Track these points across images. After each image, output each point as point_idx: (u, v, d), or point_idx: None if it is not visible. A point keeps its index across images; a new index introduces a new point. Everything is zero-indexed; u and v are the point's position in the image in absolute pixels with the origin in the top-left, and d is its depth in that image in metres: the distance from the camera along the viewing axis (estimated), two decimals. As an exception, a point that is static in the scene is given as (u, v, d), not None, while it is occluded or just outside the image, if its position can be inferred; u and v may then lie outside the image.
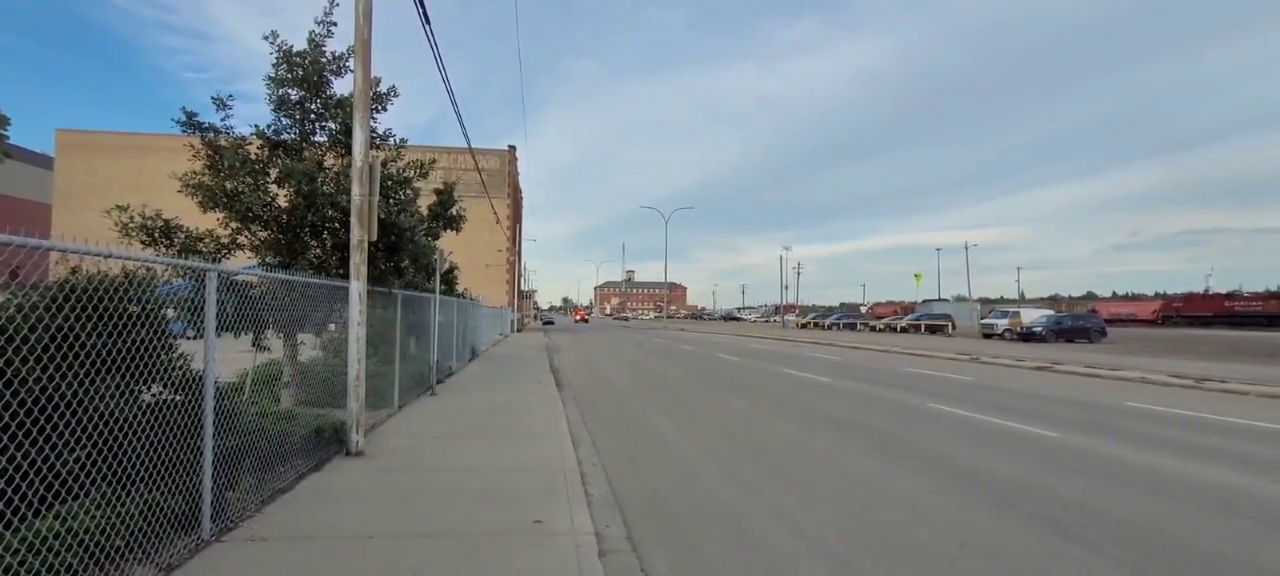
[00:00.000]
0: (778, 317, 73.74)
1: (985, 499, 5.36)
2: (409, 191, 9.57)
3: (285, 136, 8.14)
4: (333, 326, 8.37)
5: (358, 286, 6.42)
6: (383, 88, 8.45)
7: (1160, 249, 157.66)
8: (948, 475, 6.14)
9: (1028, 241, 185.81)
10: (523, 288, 75.26)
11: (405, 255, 9.42)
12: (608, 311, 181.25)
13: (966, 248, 75.94)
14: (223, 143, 7.61)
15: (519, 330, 47.43)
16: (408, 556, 3.74)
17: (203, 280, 4.01)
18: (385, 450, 6.57)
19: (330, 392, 7.50)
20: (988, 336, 35.46)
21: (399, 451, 6.58)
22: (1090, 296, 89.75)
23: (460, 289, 20.64)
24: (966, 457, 6.87)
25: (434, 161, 10.22)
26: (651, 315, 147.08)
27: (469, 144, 15.23)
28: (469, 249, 46.07)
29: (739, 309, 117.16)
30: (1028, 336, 32.62)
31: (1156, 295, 69.91)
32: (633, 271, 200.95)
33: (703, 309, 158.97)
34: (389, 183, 8.98)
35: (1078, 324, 34.64)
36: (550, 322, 71.80)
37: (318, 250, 8.28)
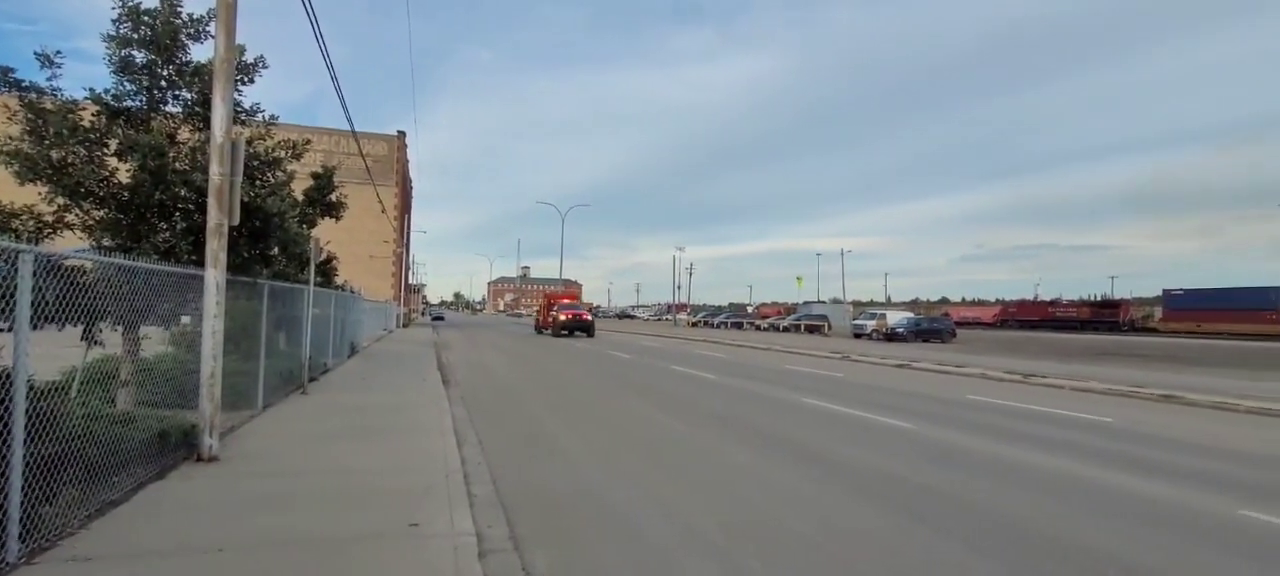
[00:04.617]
0: (670, 316, 75.55)
1: (850, 487, 5.81)
2: (279, 173, 8.82)
3: (129, 104, 7.21)
4: (186, 319, 7.53)
5: (214, 275, 5.83)
6: (249, 57, 7.71)
7: (999, 260, 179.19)
8: (819, 466, 6.60)
9: (894, 250, 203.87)
10: (411, 281, 71.77)
11: (273, 242, 8.67)
12: (501, 307, 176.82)
13: (842, 254, 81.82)
14: (48, 105, 6.60)
15: (406, 326, 45.13)
16: (262, 568, 3.46)
17: (15, 263, 3.47)
18: (244, 454, 6.02)
19: (180, 392, 6.74)
20: (858, 336, 38.44)
21: (260, 455, 6.05)
22: (944, 301, 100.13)
23: (340, 281, 19.33)
24: (835, 449, 7.41)
25: (309, 143, 9.50)
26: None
27: (352, 126, 14.28)
28: (351, 239, 43.11)
29: (633, 307, 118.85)
30: (891, 337, 35.80)
31: (997, 301, 79.38)
32: (528, 267, 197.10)
33: (598, 306, 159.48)
34: (255, 163, 8.23)
35: (933, 326, 38.52)
36: (440, 318, 68.99)
37: (167, 233, 7.40)
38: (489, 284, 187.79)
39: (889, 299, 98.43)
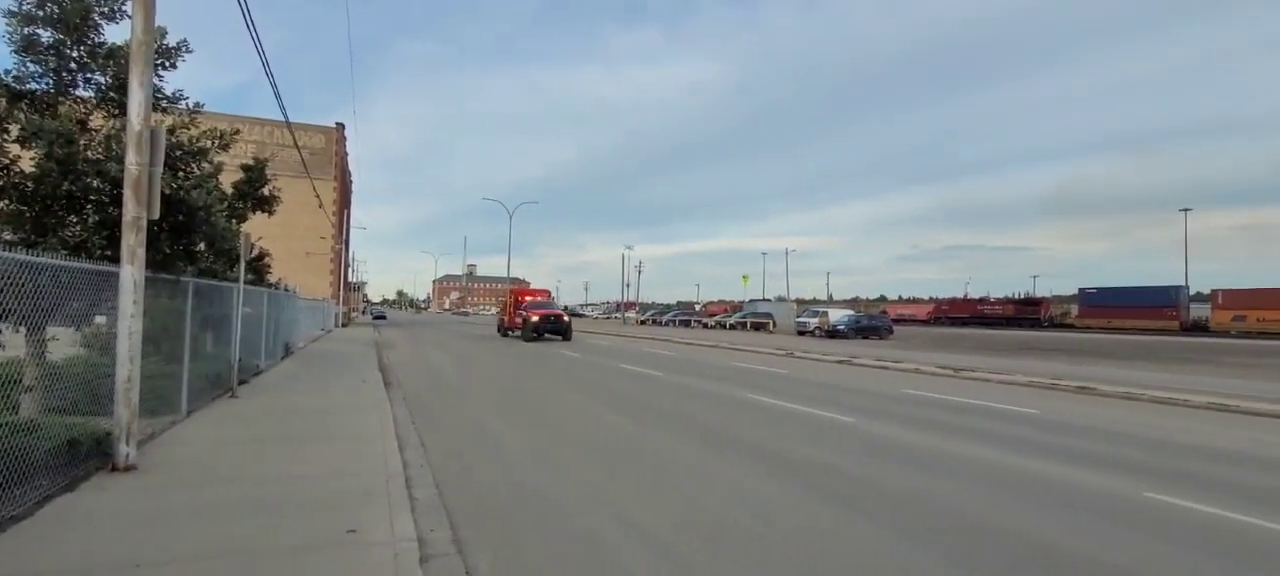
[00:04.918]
0: (619, 315, 75.60)
1: (791, 480, 5.96)
2: (206, 164, 8.36)
3: (33, 86, 6.68)
4: (102, 319, 7.02)
5: (132, 272, 5.46)
6: (171, 40, 7.27)
7: (932, 260, 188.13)
8: (762, 460, 6.74)
9: (836, 249, 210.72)
10: (351, 279, 69.27)
11: (199, 237, 8.22)
12: (447, 306, 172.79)
13: (787, 253, 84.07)
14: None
15: (345, 325, 43.50)
16: (188, 583, 3.27)
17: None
18: (166, 462, 5.67)
19: (93, 397, 6.27)
20: (802, 333, 39.48)
21: (183, 463, 5.71)
22: (882, 299, 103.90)
23: (274, 279, 18.46)
24: (780, 445, 7.58)
25: (239, 133, 9.05)
26: (494, 310, 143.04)
27: (285, 116, 13.64)
28: (286, 234, 41.30)
29: (582, 305, 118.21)
30: (833, 333, 36.95)
31: (930, 299, 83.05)
32: (474, 265, 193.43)
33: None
34: (178, 152, 7.77)
35: (872, 323, 39.95)
36: (382, 317, 66.84)
37: (78, 227, 6.90)
38: (434, 282, 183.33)
39: (831, 297, 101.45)
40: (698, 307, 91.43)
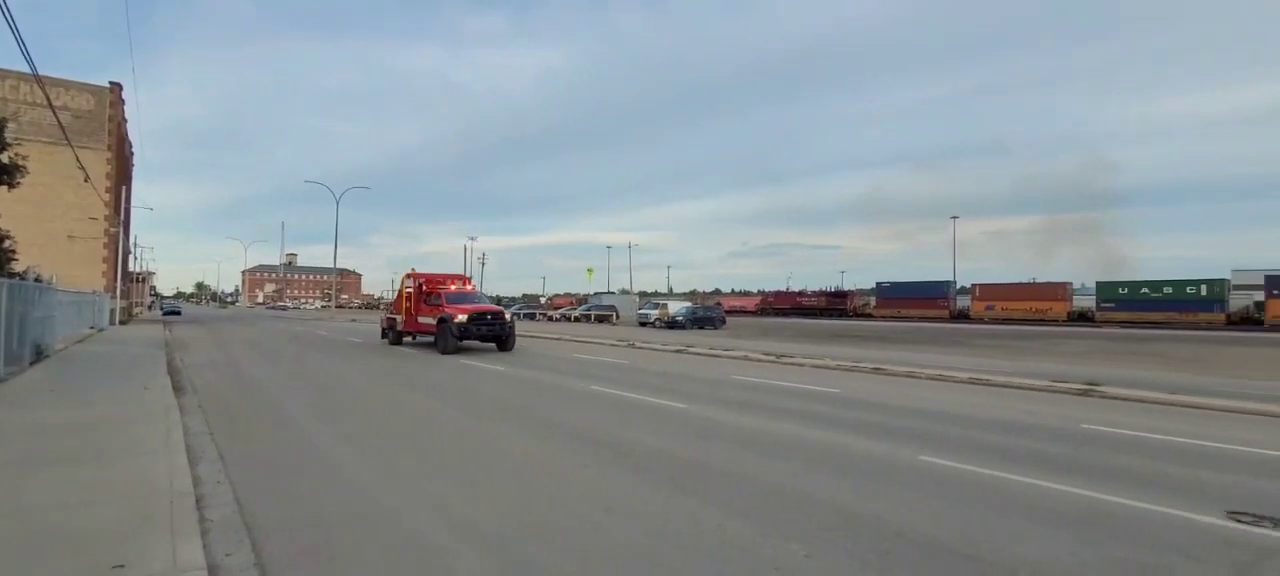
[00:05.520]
0: (461, 308, 72.51)
1: (628, 468, 6.16)
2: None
3: None
4: None
5: None
6: None
7: (760, 256, 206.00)
8: (602, 450, 6.88)
9: (676, 244, 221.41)
10: (133, 268, 58.94)
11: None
12: (261, 299, 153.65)
13: (630, 248, 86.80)
14: None
15: (125, 321, 36.84)
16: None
17: None
18: None
19: None
20: (643, 325, 40.97)
21: (-127, 502, 4.47)
22: (717, 292, 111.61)
23: (23, 267, 15.15)
24: (618, 433, 7.80)
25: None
26: (318, 305, 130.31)
27: (32, 66, 11.18)
28: (40, 214, 34.28)
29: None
30: (672, 324, 38.84)
31: (759, 292, 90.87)
32: (294, 255, 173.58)
33: (381, 298, 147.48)
34: None
35: (707, 314, 42.61)
36: (175, 312, 57.67)
37: None
38: (244, 272, 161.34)
39: (671, 290, 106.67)
40: (543, 300, 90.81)
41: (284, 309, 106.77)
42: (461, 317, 19.26)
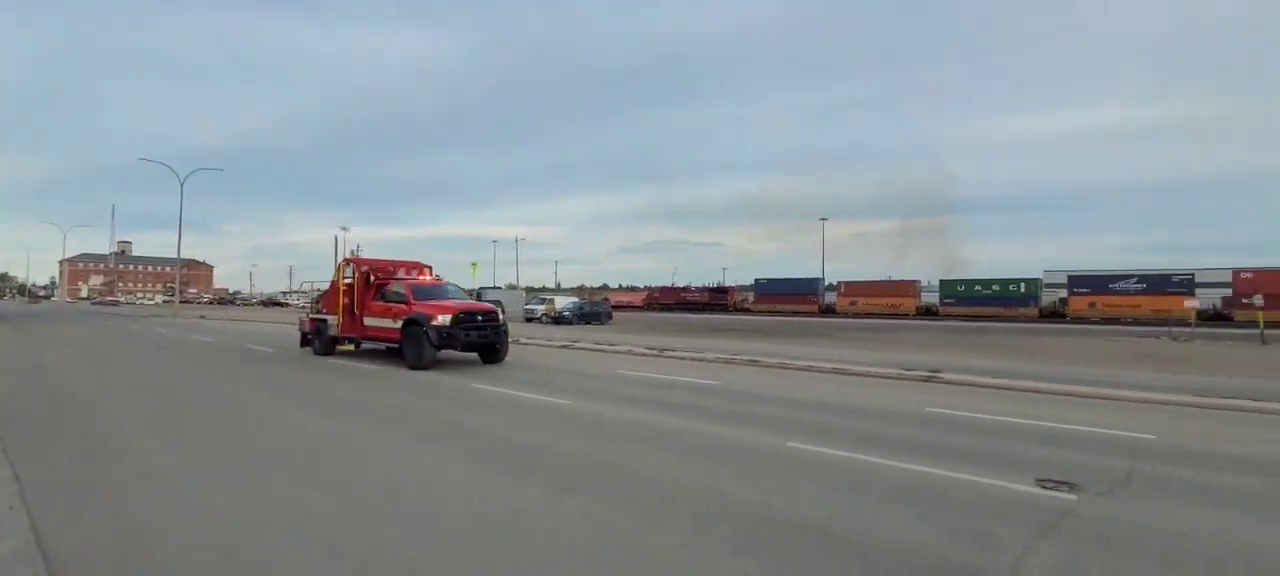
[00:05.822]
0: (330, 303, 67.35)
1: (509, 466, 6.01)
2: None
3: None
4: None
5: None
6: None
7: (647, 252, 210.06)
8: (483, 450, 6.67)
9: (564, 239, 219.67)
10: (-100, 254, 48.82)
11: None
12: (85, 293, 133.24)
13: (517, 242, 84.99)
14: None
15: (-113, 320, 30.33)
16: None
17: None
18: None
19: None
20: (530, 320, 40.25)
21: None
22: (605, 287, 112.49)
23: None
24: (500, 432, 7.59)
25: None
26: (160, 299, 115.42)
27: None
28: None
29: (286, 293, 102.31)
30: (559, 320, 38.54)
31: (645, 288, 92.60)
32: (129, 243, 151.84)
33: (237, 292, 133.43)
34: None
35: (594, 309, 42.78)
36: None
37: None
38: (63, 262, 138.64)
39: (559, 285, 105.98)
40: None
41: (117, 302, 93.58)
42: (443, 320, 14.12)
